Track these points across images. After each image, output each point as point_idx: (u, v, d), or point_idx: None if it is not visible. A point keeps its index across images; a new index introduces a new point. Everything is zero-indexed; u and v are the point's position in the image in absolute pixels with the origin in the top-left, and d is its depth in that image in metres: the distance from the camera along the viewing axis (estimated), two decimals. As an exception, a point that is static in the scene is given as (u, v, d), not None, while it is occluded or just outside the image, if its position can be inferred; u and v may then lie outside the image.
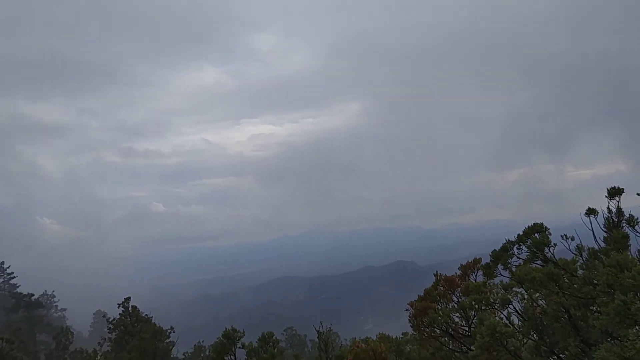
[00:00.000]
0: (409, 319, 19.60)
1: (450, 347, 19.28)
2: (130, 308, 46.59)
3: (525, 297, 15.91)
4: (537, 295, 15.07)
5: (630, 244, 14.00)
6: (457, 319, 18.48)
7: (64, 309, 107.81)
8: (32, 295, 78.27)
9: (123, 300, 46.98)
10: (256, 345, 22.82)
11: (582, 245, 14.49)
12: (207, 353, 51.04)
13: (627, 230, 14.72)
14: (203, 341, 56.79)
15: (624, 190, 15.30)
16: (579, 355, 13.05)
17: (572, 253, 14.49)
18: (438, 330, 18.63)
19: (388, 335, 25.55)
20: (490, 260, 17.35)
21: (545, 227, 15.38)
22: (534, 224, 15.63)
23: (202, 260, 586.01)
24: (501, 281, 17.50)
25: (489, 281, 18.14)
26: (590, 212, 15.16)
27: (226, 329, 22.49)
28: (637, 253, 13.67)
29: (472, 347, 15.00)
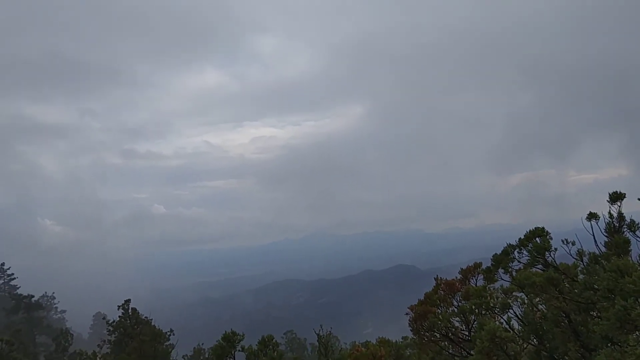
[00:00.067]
0: (409, 323, 19.54)
1: (450, 351, 19.22)
2: (130, 310, 46.59)
3: (526, 301, 15.87)
4: (538, 299, 15.02)
5: (631, 249, 13.97)
6: (457, 323, 18.42)
7: (64, 311, 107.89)
8: (32, 296, 78.33)
9: (123, 302, 46.98)
10: (256, 348, 22.77)
11: (583, 250, 14.45)
12: (206, 356, 50.98)
13: (628, 235, 14.68)
14: (203, 344, 56.74)
15: (626, 195, 15.27)
16: (579, 360, 13.01)
17: (573, 258, 14.45)
18: (438, 335, 18.57)
19: (388, 339, 25.45)
20: (492, 264, 17.30)
21: (547, 231, 15.35)
22: (535, 228, 15.59)
23: (202, 263, 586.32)
24: (501, 285, 17.46)
25: (489, 285, 18.10)
26: (592, 216, 15.11)
27: (226, 331, 22.43)
28: (638, 258, 13.65)
29: (472, 352, 14.95)
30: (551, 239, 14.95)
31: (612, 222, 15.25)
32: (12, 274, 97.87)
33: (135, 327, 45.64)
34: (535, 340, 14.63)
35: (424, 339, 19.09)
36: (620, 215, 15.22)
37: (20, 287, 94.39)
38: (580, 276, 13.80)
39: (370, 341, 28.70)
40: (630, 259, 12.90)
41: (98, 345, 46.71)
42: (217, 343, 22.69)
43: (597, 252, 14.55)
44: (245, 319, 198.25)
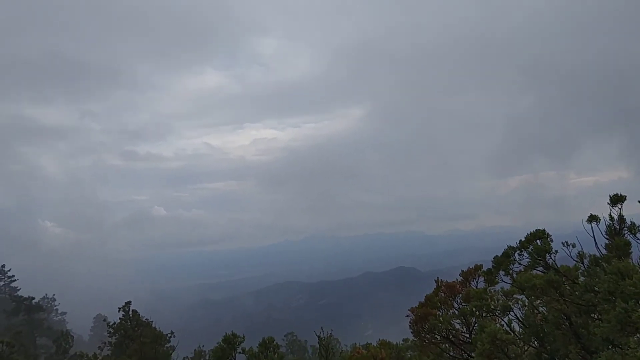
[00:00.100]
0: (409, 325, 19.55)
1: (450, 353, 19.21)
2: (130, 312, 46.58)
3: (526, 304, 15.87)
4: (538, 302, 15.02)
5: (631, 252, 13.97)
6: (457, 326, 18.41)
7: (65, 313, 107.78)
8: (33, 298, 78.23)
9: (124, 304, 46.97)
10: (256, 350, 22.75)
11: (583, 253, 14.45)
12: (207, 358, 50.93)
13: (628, 237, 14.69)
14: (203, 346, 56.64)
15: (626, 198, 15.28)
16: (580, 362, 13.01)
17: (574, 260, 14.45)
18: (439, 337, 18.56)
19: (388, 341, 25.43)
20: (492, 266, 17.30)
21: (547, 233, 15.35)
22: (535, 230, 15.60)
23: (203, 265, 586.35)
24: (502, 288, 17.46)
25: (490, 288, 18.10)
26: (592, 219, 15.13)
27: (226, 333, 22.41)
28: (638, 260, 13.64)
29: (472, 354, 14.96)
30: (552, 241, 14.96)
31: (613, 225, 15.26)
32: (13, 275, 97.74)
33: (136, 329, 45.64)
34: (536, 342, 14.62)
35: (425, 341, 19.08)
36: (621, 218, 15.23)
37: (20, 288, 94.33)
38: (581, 278, 13.79)
39: (370, 343, 28.63)
40: (630, 261, 12.90)
41: (99, 347, 46.70)
42: (217, 345, 22.67)
43: (597, 254, 14.55)
44: (245, 321, 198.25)
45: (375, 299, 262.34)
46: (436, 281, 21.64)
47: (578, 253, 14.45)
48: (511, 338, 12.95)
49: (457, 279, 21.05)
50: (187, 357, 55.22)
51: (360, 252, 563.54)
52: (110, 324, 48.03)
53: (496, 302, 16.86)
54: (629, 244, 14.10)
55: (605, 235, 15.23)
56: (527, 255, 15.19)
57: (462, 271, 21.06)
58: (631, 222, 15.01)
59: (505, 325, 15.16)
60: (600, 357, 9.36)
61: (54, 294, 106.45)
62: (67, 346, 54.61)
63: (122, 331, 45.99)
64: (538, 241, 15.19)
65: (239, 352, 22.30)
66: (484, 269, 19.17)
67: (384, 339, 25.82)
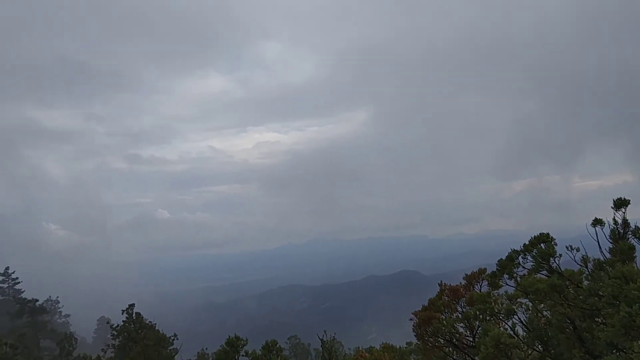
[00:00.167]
0: (413, 329, 19.54)
1: (454, 357, 19.19)
2: (134, 314, 46.59)
3: (530, 307, 15.84)
4: (542, 306, 15.01)
5: (636, 256, 13.94)
6: (461, 329, 18.41)
7: (68, 315, 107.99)
8: (37, 300, 78.39)
9: (127, 306, 46.99)
10: (260, 353, 22.75)
11: (587, 257, 14.43)
12: (210, 360, 50.98)
13: (633, 241, 14.66)
14: (207, 348, 56.76)
15: (630, 202, 15.25)
16: (584, 367, 12.97)
17: (578, 264, 14.44)
18: (442, 340, 18.57)
19: (392, 344, 25.43)
20: (497, 269, 17.29)
21: (551, 237, 15.34)
22: (539, 234, 15.60)
23: (207, 268, 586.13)
24: (506, 292, 17.44)
25: (493, 291, 18.09)
26: (596, 222, 15.10)
27: (230, 336, 22.42)
28: (643, 264, 13.60)
29: (476, 358, 14.94)
30: (556, 245, 14.95)
31: (617, 229, 15.24)
32: (17, 277, 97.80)
33: (139, 331, 45.64)
34: (540, 346, 14.59)
35: (428, 345, 19.08)
36: (625, 222, 15.21)
37: (24, 291, 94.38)
38: (585, 282, 13.78)
39: (374, 347, 28.66)
40: (635, 265, 12.86)
41: (102, 350, 46.77)
42: (220, 348, 22.67)
43: (601, 258, 14.53)
44: (249, 324, 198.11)
45: (378, 302, 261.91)
46: (440, 285, 21.65)
47: (582, 257, 14.43)
48: (515, 342, 12.93)
49: (460, 283, 21.06)
50: (190, 359, 55.27)
51: (363, 255, 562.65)
52: (114, 326, 48.04)
53: (500, 305, 16.85)
54: (633, 248, 14.07)
55: (609, 239, 15.20)
56: (531, 259, 15.18)
57: (466, 275, 21.06)
58: (635, 226, 14.99)
59: (509, 329, 15.12)
60: (604, 361, 9.34)
61: (57, 296, 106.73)
62: (71, 348, 54.66)
63: (125, 333, 46.01)
64: (542, 245, 15.18)
65: (242, 355, 22.30)
66: (488, 272, 19.16)
67: (387, 342, 25.82)
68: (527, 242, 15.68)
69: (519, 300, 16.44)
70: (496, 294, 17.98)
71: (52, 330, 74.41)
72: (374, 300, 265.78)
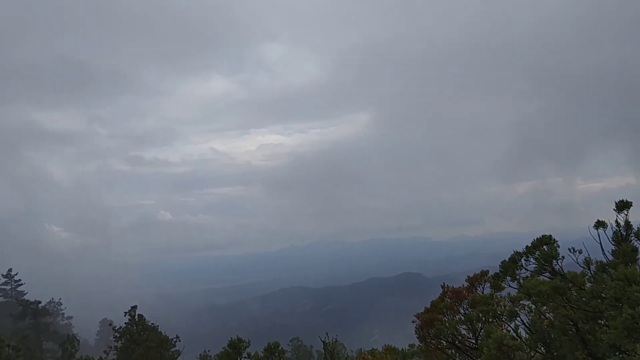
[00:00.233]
0: (415, 331, 19.54)
1: (456, 359, 19.19)
2: (136, 316, 46.65)
3: (533, 309, 15.83)
4: (545, 308, 15.00)
5: (638, 258, 13.93)
6: (463, 331, 18.41)
7: (71, 317, 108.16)
8: (39, 302, 78.53)
9: (129, 308, 47.05)
10: (262, 355, 22.76)
11: (590, 259, 14.43)
12: (212, 363, 50.98)
13: (635, 243, 14.65)
14: (209, 350, 56.81)
15: (633, 204, 15.25)
16: (586, 369, 12.97)
17: (580, 266, 14.43)
18: (444, 342, 18.56)
19: (394, 346, 25.42)
20: (499, 271, 17.30)
21: (554, 239, 15.34)
22: (542, 236, 15.60)
23: (209, 270, 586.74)
24: (508, 294, 17.44)
25: (496, 293, 18.09)
26: (599, 225, 15.09)
27: (232, 338, 22.44)
28: (645, 266, 13.59)
29: (478, 360, 14.92)
30: (558, 247, 14.95)
31: (620, 231, 15.22)
32: (19, 279, 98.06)
33: (142, 333, 45.70)
34: (542, 348, 14.59)
35: (431, 347, 19.08)
36: (628, 224, 15.20)
37: (27, 293, 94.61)
38: (588, 285, 13.77)
39: (376, 349, 28.64)
40: (637, 267, 12.86)
41: (104, 352, 46.74)
42: (223, 350, 22.69)
43: (604, 260, 14.52)
44: (251, 326, 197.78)
45: (381, 304, 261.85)
46: (442, 287, 21.65)
47: (585, 259, 14.43)
48: (518, 344, 12.93)
49: (463, 285, 21.06)
50: (192, 361, 55.28)
51: (366, 257, 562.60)
52: (116, 328, 48.10)
53: (502, 307, 16.85)
54: (635, 250, 14.06)
55: (612, 242, 15.20)
56: (534, 261, 15.18)
57: (468, 277, 21.06)
58: (638, 228, 14.98)
59: (511, 331, 15.14)
60: (607, 363, 9.34)
61: (60, 298, 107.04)
62: (73, 350, 54.77)
63: (128, 335, 46.05)
64: (545, 247, 15.18)
65: (245, 357, 22.31)
66: (490, 274, 19.16)
67: (390, 344, 25.81)
68: (529, 244, 15.68)
69: (521, 302, 16.43)
70: (499, 296, 17.98)
71: (54, 332, 74.47)
72: (377, 303, 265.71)
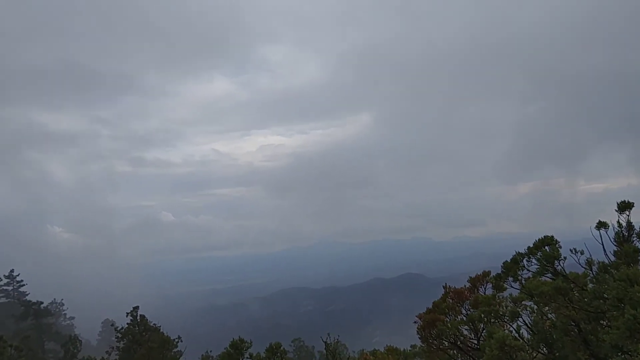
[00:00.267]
0: (417, 331, 19.55)
1: (458, 360, 19.19)
2: (138, 317, 46.67)
3: (535, 310, 15.84)
4: (547, 308, 15.00)
5: (640, 258, 13.95)
6: (465, 332, 18.40)
7: (73, 317, 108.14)
8: (41, 303, 78.61)
9: (131, 309, 47.08)
10: (263, 356, 22.78)
11: (592, 259, 14.44)
12: (214, 363, 50.95)
13: (637, 244, 14.66)
14: (211, 351, 56.67)
15: (635, 204, 15.25)
16: (588, 369, 12.97)
17: (582, 267, 14.44)
18: (446, 343, 18.56)
19: (396, 347, 25.42)
20: (501, 272, 17.31)
21: (556, 240, 15.35)
22: (544, 236, 15.61)
23: (210, 270, 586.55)
24: (510, 294, 17.44)
25: (498, 294, 18.09)
26: (601, 225, 15.10)
27: (233, 339, 22.48)
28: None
29: (480, 361, 14.93)
30: (560, 247, 14.96)
31: (621, 232, 15.23)
32: (22, 280, 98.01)
33: (144, 333, 45.71)
34: (544, 349, 14.59)
35: (433, 347, 19.08)
36: (630, 225, 15.21)
37: (29, 293, 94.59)
38: (590, 285, 13.78)
39: (378, 349, 28.62)
40: (639, 268, 12.87)
41: (106, 352, 46.74)
42: (224, 350, 22.74)
43: (606, 261, 14.53)
44: (252, 327, 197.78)
45: (383, 305, 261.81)
46: (444, 287, 21.65)
47: (587, 260, 14.44)
48: (520, 344, 12.94)
49: (465, 285, 21.06)
50: (194, 362, 55.27)
51: (368, 258, 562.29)
52: (118, 328, 48.13)
53: (505, 308, 16.85)
54: (637, 251, 14.07)
55: (614, 242, 15.21)
56: (536, 262, 15.19)
57: (470, 277, 21.06)
58: (640, 228, 15.00)
59: (513, 331, 15.14)
60: (609, 364, 9.35)
61: (62, 299, 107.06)
62: (75, 350, 54.78)
63: (130, 336, 46.07)
64: (547, 248, 15.19)
65: (247, 358, 22.34)
66: (492, 275, 19.17)
67: (392, 345, 25.81)
68: (531, 245, 15.70)
69: (523, 302, 16.43)
70: (501, 297, 17.98)
71: (56, 333, 74.58)
72: (378, 303, 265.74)
